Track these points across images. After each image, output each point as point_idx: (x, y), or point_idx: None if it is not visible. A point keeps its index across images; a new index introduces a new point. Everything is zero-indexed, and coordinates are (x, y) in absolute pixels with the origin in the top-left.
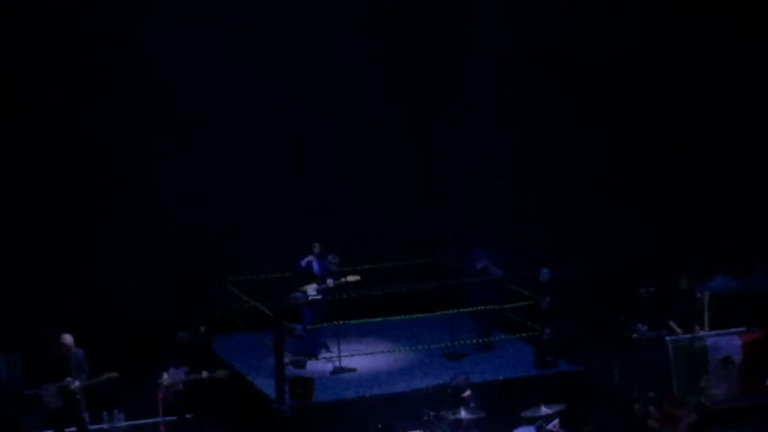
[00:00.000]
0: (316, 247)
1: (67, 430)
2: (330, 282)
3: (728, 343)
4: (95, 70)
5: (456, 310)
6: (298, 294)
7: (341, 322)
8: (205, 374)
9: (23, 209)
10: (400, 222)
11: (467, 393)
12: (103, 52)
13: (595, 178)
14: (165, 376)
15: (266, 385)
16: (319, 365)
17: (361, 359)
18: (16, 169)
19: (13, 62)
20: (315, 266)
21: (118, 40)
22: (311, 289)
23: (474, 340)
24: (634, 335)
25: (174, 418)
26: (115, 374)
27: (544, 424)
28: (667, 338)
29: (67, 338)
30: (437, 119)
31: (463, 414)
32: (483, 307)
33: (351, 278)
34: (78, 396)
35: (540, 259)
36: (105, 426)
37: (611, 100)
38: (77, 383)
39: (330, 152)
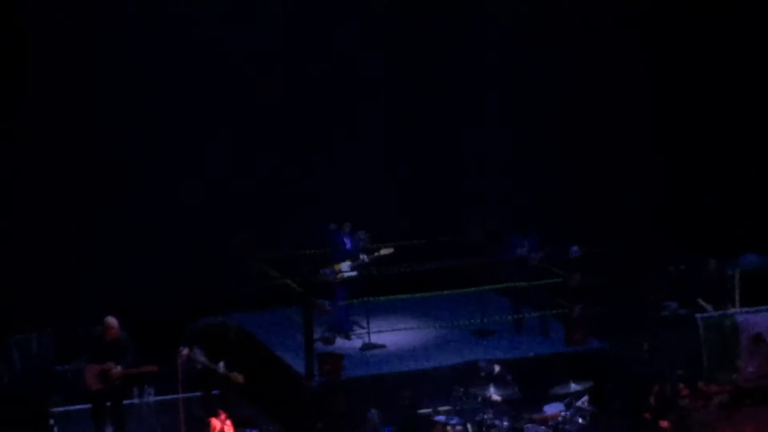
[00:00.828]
0: (347, 226)
1: None
2: (364, 257)
3: (759, 320)
4: (100, 70)
5: (484, 287)
6: (327, 270)
7: (370, 299)
8: (222, 368)
9: (62, 196)
10: (423, 201)
11: (497, 369)
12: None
13: (623, 157)
14: (185, 349)
15: (296, 362)
16: (348, 342)
17: (390, 336)
18: (47, 167)
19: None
20: (348, 243)
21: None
22: (346, 266)
23: (505, 317)
24: (664, 313)
25: (199, 394)
26: (154, 367)
27: (574, 401)
28: (698, 316)
29: (112, 320)
30: (460, 98)
31: (492, 391)
32: (513, 284)
33: (385, 251)
34: (117, 381)
35: (570, 237)
36: (136, 401)
37: (635, 77)
38: (119, 368)
39: (355, 131)
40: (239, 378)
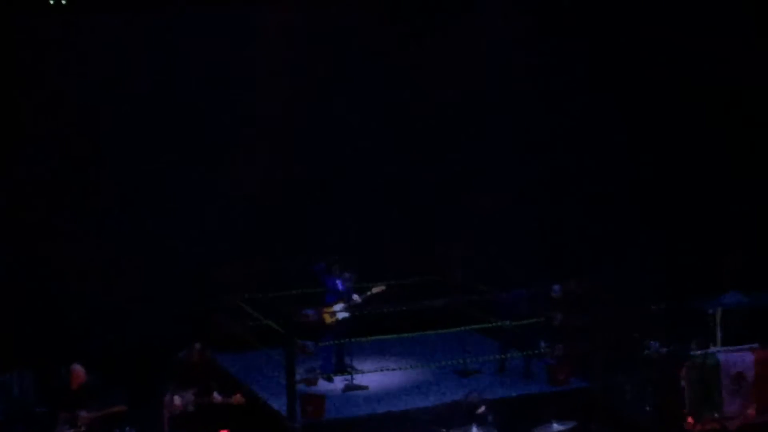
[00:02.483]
0: (336, 267)
1: None
2: (357, 297)
3: (741, 359)
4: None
5: (467, 328)
6: (309, 311)
7: (353, 340)
8: (217, 397)
9: (31, 228)
10: (403, 240)
11: (482, 409)
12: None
13: (606, 195)
14: (171, 397)
15: (278, 403)
16: (330, 383)
17: (372, 376)
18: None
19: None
20: (339, 285)
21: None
22: (339, 308)
23: (488, 357)
24: (646, 352)
25: None
26: (123, 407)
27: None
28: (680, 355)
29: (78, 368)
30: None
31: (474, 431)
32: (497, 324)
33: (376, 289)
34: (84, 428)
35: (551, 276)
36: None
37: (604, 111)
38: (85, 414)
39: (338, 172)
40: (240, 399)
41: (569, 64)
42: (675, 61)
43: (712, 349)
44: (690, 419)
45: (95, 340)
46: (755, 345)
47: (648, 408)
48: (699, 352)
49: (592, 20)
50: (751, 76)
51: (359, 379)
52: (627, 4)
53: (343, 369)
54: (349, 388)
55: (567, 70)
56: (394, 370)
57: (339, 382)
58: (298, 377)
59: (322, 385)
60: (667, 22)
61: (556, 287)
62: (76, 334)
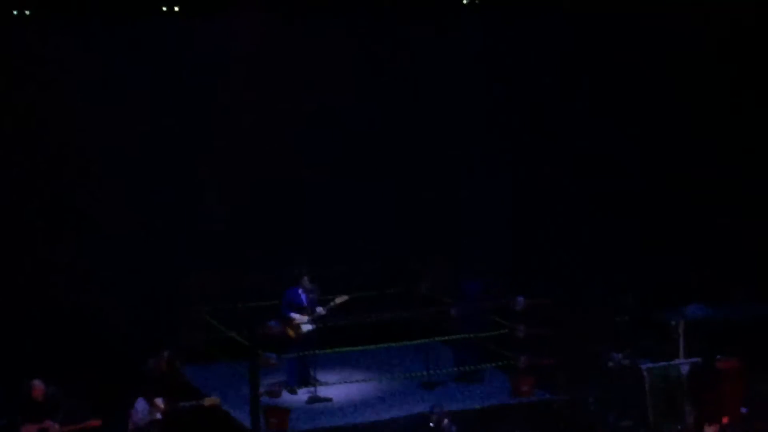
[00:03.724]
0: (306, 280)
1: None
2: (321, 309)
3: (704, 371)
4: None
5: (432, 339)
6: (273, 323)
7: (317, 351)
8: (187, 403)
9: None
10: (371, 252)
11: (445, 422)
12: None
13: (571, 206)
14: (137, 407)
15: (242, 415)
16: (294, 395)
17: (336, 388)
18: None
19: None
20: (303, 298)
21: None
22: (303, 321)
23: (452, 369)
24: (610, 364)
25: None
26: (97, 422)
27: None
28: (643, 366)
29: (37, 383)
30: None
31: None
32: (459, 336)
33: (339, 299)
34: None
35: (514, 287)
36: None
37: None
38: (57, 425)
39: (301, 181)
40: (214, 400)
41: (550, 78)
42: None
43: (676, 361)
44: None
45: (58, 350)
46: (718, 357)
47: (611, 420)
48: (662, 364)
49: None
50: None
51: (323, 391)
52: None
53: (306, 381)
54: (313, 400)
55: (547, 84)
56: (358, 382)
57: (303, 395)
58: (261, 389)
59: (286, 398)
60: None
61: (520, 299)
62: (38, 344)
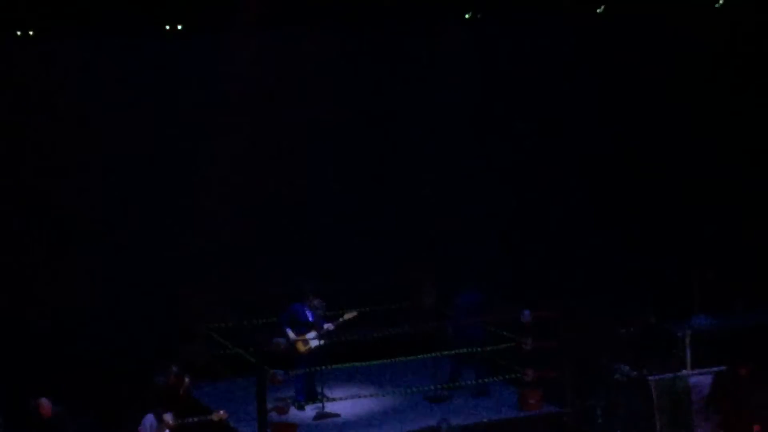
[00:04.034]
0: (311, 297)
1: None
2: (329, 326)
3: (711, 382)
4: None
5: (438, 353)
6: (280, 339)
7: (324, 367)
8: (195, 419)
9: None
10: (376, 267)
11: None
12: None
13: (574, 219)
14: (145, 423)
15: None
16: (302, 411)
17: (344, 404)
18: None
19: None
20: (309, 315)
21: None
22: (311, 336)
23: (462, 383)
24: (617, 376)
25: None
26: None
27: None
28: (649, 378)
29: (44, 402)
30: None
31: None
32: (467, 350)
33: (348, 315)
34: None
35: (520, 300)
36: None
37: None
38: None
39: (304, 197)
40: (222, 415)
41: (551, 84)
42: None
43: (682, 372)
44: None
45: (62, 368)
46: (724, 368)
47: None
48: (669, 375)
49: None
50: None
51: (331, 407)
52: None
53: (314, 397)
54: (321, 416)
55: (546, 90)
56: (365, 397)
57: (311, 411)
58: (269, 405)
59: (294, 414)
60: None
61: (526, 312)
62: (41, 362)
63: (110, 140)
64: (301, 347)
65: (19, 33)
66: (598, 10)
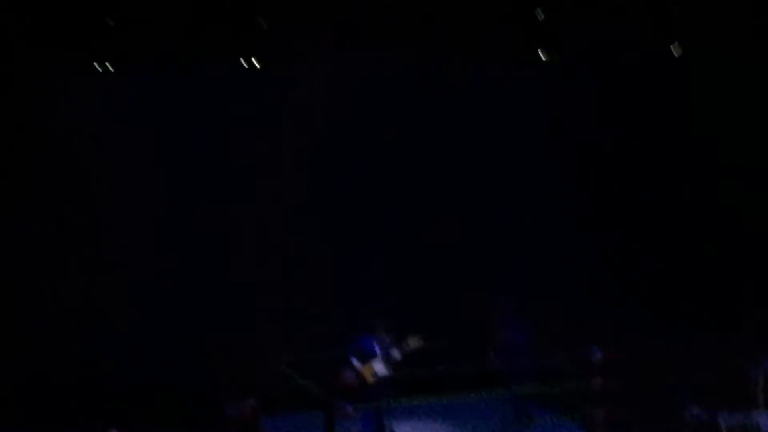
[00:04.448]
0: (381, 331)
1: None
2: (396, 353)
3: None
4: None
5: (508, 393)
6: (348, 373)
7: (393, 402)
8: None
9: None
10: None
11: None
12: None
13: (644, 255)
14: None
15: None
16: None
17: None
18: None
19: None
20: (377, 348)
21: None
22: (379, 366)
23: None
24: (687, 417)
25: None
26: None
27: None
28: (721, 421)
29: None
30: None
31: None
32: (535, 389)
33: (413, 342)
34: None
35: (589, 339)
36: None
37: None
38: None
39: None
40: None
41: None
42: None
43: (754, 414)
44: None
45: (134, 399)
46: None
47: None
48: (740, 417)
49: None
50: None
51: None
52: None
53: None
54: None
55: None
56: None
57: None
58: None
59: None
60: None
61: (596, 350)
62: (110, 392)
63: (181, 170)
64: (368, 377)
65: (97, 66)
66: None
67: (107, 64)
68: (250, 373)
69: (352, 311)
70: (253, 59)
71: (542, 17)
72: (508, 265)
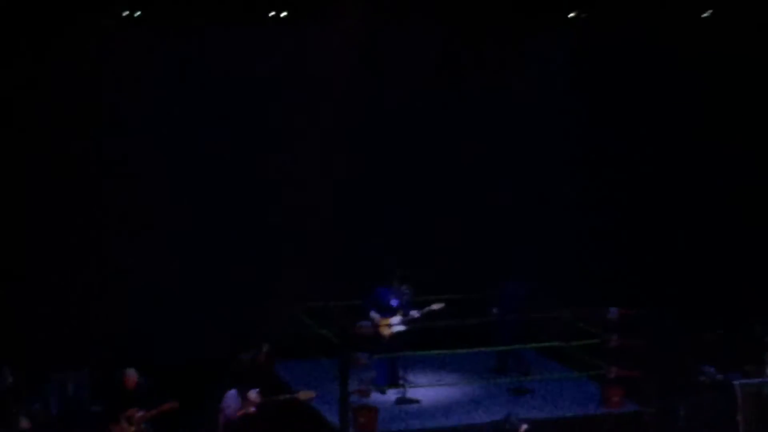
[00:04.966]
0: (396, 281)
1: None
2: (415, 313)
3: None
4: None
5: (524, 346)
6: (365, 322)
7: (408, 353)
8: (282, 397)
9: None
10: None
11: (524, 428)
12: None
13: (664, 216)
14: (229, 400)
15: (331, 414)
16: (383, 396)
17: (425, 390)
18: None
19: None
20: (393, 301)
21: None
22: (395, 321)
23: (545, 376)
24: (701, 377)
25: None
26: (175, 404)
27: None
28: (735, 383)
29: (131, 373)
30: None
31: None
32: (551, 344)
33: (436, 306)
34: (143, 426)
35: (609, 298)
36: None
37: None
38: (141, 413)
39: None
40: (310, 394)
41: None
42: None
43: None
44: None
45: (149, 341)
46: None
47: None
48: (756, 380)
49: None
50: None
51: (412, 393)
52: None
53: (396, 382)
54: (402, 401)
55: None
56: (446, 385)
57: (392, 395)
58: (351, 388)
59: (375, 398)
60: None
61: (613, 310)
62: (129, 336)
63: (206, 116)
64: (384, 331)
65: (125, 14)
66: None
67: (133, 12)
68: (266, 319)
69: (372, 262)
70: (278, 12)
71: None
72: (529, 222)
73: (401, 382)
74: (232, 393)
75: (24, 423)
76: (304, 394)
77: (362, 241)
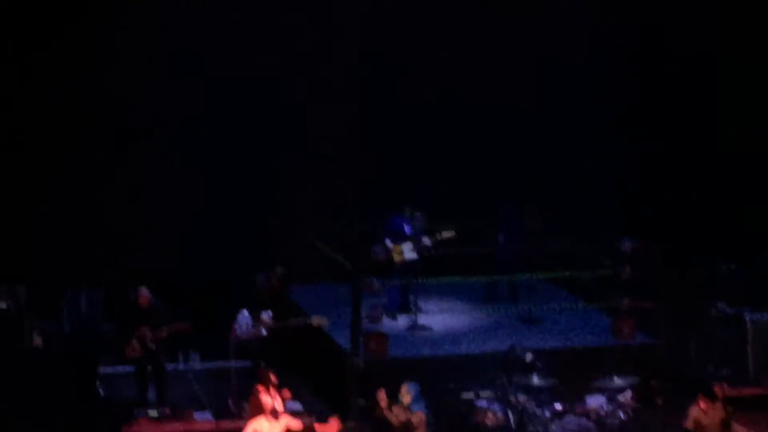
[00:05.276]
0: (408, 209)
1: None
2: (426, 240)
3: None
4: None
5: (536, 274)
6: (377, 248)
7: (421, 280)
8: (295, 321)
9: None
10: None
11: (529, 357)
12: None
13: (681, 149)
14: (240, 320)
15: (342, 338)
16: (395, 322)
17: (436, 317)
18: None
19: None
20: (407, 228)
21: None
22: (407, 249)
23: (554, 305)
24: (713, 311)
25: (248, 363)
26: (185, 325)
27: (616, 395)
28: (747, 317)
29: (144, 290)
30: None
31: (534, 380)
32: (564, 273)
33: (447, 234)
34: (153, 345)
35: (621, 229)
36: (180, 366)
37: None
38: (151, 333)
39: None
40: (322, 320)
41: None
42: None
43: None
44: None
45: (163, 265)
46: None
47: (710, 368)
48: (765, 314)
49: None
50: None
51: (423, 320)
52: None
53: (407, 308)
54: (413, 327)
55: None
56: (457, 312)
57: (403, 321)
58: (363, 314)
59: (386, 323)
60: None
61: (627, 241)
62: (145, 259)
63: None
64: (396, 257)
65: None
66: None
67: None
68: (280, 243)
69: (386, 190)
70: None
71: None
72: (542, 157)
73: (412, 308)
74: (243, 313)
75: (37, 340)
76: (317, 320)
77: (379, 169)
